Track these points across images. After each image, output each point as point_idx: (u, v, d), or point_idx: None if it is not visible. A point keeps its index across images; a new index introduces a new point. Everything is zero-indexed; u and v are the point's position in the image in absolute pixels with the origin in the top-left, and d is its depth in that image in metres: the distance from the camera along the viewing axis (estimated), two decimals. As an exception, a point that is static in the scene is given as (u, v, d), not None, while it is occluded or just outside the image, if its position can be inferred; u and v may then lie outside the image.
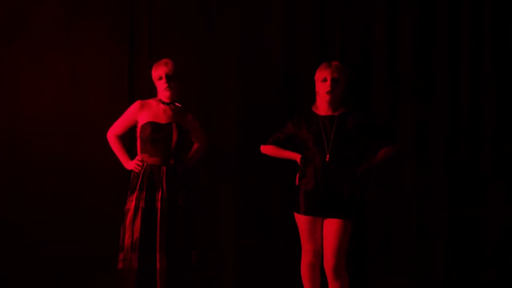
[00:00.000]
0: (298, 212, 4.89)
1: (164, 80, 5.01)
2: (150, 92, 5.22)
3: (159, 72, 5.03)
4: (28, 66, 5.82)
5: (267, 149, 5.07)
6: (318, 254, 4.89)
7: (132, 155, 5.25)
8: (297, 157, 4.96)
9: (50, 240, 5.74)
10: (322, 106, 4.90)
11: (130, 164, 5.05)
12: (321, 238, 4.88)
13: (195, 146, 5.24)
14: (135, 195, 4.95)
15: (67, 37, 5.85)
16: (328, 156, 4.80)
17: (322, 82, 4.87)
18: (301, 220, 4.89)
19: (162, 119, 5.03)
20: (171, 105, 5.07)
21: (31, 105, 5.82)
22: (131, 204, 4.94)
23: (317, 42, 5.98)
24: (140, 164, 4.99)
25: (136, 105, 5.10)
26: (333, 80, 4.83)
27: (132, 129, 5.17)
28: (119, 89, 5.87)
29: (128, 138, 5.37)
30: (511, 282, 5.92)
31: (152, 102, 5.10)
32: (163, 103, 5.07)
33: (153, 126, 4.99)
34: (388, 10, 5.99)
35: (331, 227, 4.80)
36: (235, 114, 5.93)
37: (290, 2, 5.99)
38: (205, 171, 5.85)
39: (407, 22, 5.99)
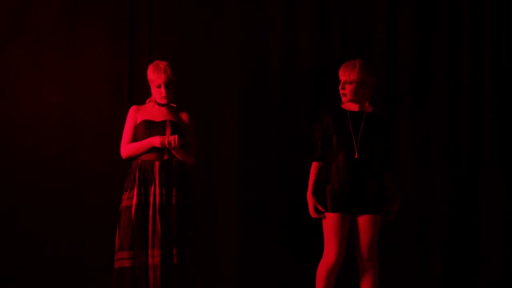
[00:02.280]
0: (326, 210, 4.86)
1: (163, 89, 4.98)
2: (149, 92, 5.21)
3: (158, 80, 4.96)
4: (27, 66, 5.82)
5: (313, 166, 4.96)
6: (341, 258, 4.88)
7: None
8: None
9: (50, 240, 5.75)
10: (348, 104, 4.92)
11: (156, 140, 4.93)
12: (346, 239, 4.88)
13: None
14: (128, 194, 4.94)
15: (67, 37, 5.84)
16: (357, 153, 4.83)
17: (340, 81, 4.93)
18: (329, 218, 4.87)
19: (157, 118, 5.02)
20: (166, 106, 5.05)
21: (30, 105, 5.81)
22: (126, 203, 4.93)
23: (317, 43, 5.98)
24: (165, 136, 4.93)
25: (132, 109, 5.07)
26: (348, 81, 4.87)
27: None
28: (119, 90, 5.87)
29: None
30: (511, 282, 5.92)
31: (147, 105, 5.09)
32: (159, 104, 5.05)
33: (147, 123, 4.98)
34: (388, 10, 6.00)
35: (363, 222, 4.86)
36: (235, 114, 5.93)
37: (291, 2, 5.99)
38: (205, 171, 5.85)
39: (407, 22, 5.99)
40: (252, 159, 5.92)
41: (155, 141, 4.92)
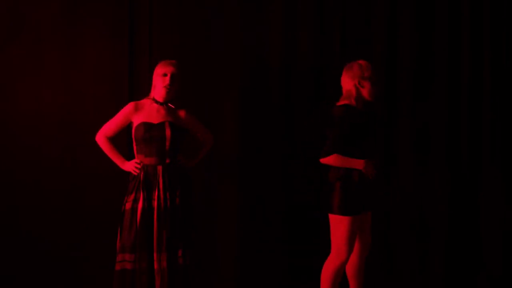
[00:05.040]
0: (349, 215, 4.77)
1: (168, 77, 5.03)
2: (149, 92, 5.22)
3: (165, 69, 5.05)
4: (27, 66, 5.82)
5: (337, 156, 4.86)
6: (349, 258, 4.88)
7: (129, 157, 5.27)
8: (360, 165, 4.82)
9: (50, 240, 5.75)
10: (357, 102, 4.93)
11: (127, 165, 5.06)
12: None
13: (199, 143, 5.26)
14: (132, 196, 4.96)
15: (67, 37, 5.84)
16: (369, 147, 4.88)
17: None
18: (348, 222, 4.78)
19: (155, 119, 5.04)
20: (164, 105, 5.07)
21: (30, 105, 5.81)
22: (129, 205, 4.95)
23: (317, 43, 5.98)
24: (139, 166, 5.00)
25: (130, 106, 5.10)
26: (367, 77, 4.90)
27: (124, 131, 5.20)
28: (119, 89, 5.87)
29: (124, 140, 5.42)
30: (511, 282, 5.92)
31: (145, 102, 5.10)
32: (157, 102, 5.07)
33: (146, 126, 5.00)
34: (388, 10, 5.99)
35: (365, 220, 4.94)
36: (236, 114, 5.93)
37: (291, 2, 5.99)
38: (205, 171, 5.86)
39: (407, 22, 5.99)
40: (252, 159, 5.92)
41: (122, 165, 5.09)
